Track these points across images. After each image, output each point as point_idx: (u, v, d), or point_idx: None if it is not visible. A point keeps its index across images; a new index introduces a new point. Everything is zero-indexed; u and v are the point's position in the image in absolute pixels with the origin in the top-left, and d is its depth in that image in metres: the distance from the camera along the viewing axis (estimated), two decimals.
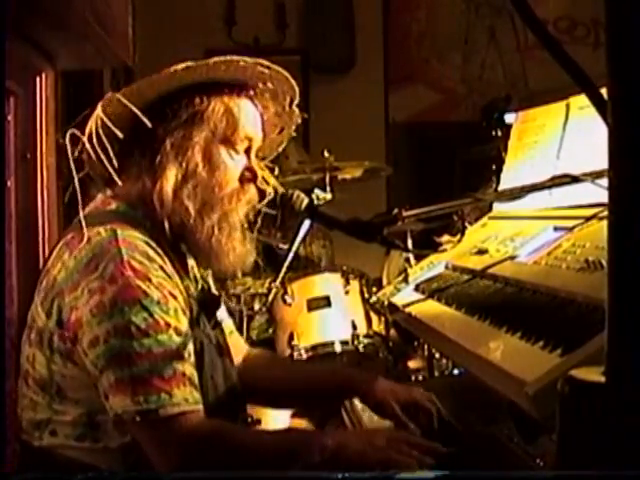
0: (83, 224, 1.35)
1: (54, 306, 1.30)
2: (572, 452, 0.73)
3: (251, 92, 1.47)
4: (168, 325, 1.27)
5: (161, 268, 1.32)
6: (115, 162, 1.37)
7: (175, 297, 1.32)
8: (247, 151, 1.46)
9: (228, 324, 1.66)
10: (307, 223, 2.57)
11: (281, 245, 2.98)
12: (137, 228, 1.35)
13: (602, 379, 0.70)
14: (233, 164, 1.43)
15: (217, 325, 1.50)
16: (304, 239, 3.48)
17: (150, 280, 1.28)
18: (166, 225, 1.39)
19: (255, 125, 1.47)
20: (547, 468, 1.21)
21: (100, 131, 1.34)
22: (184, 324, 1.31)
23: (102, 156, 1.35)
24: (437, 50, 4.88)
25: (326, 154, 3.09)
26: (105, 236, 1.30)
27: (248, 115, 1.45)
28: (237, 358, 1.62)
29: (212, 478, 1.27)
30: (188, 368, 1.28)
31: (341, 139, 3.82)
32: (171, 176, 1.37)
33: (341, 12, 4.76)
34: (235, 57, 1.47)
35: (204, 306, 1.44)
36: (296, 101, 1.53)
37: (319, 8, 4.76)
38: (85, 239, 1.31)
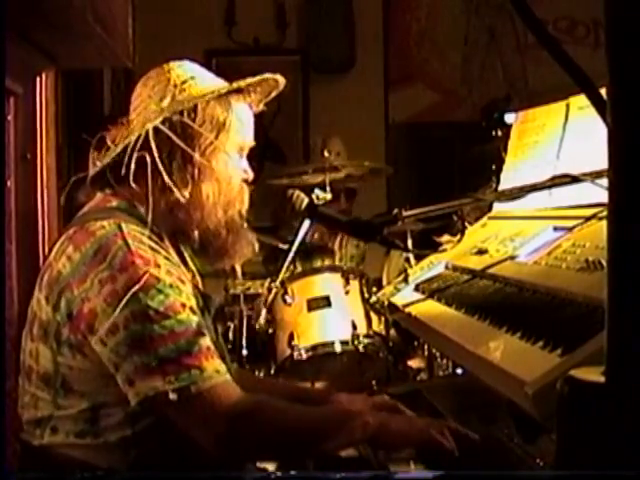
0: (84, 218, 1.37)
1: (62, 300, 1.31)
2: (572, 452, 0.73)
3: (248, 95, 1.53)
4: (184, 305, 1.30)
5: (166, 259, 1.36)
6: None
7: (184, 282, 1.35)
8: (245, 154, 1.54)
9: None
10: (307, 223, 2.57)
11: (281, 245, 2.98)
12: (139, 224, 1.38)
13: (602, 379, 0.70)
14: (240, 167, 1.51)
15: (213, 323, 1.52)
16: (339, 239, 3.49)
17: (159, 266, 1.31)
18: (196, 233, 1.46)
19: (252, 128, 1.54)
20: (547, 468, 1.21)
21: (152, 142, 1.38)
22: (195, 305, 1.35)
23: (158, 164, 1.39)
24: (437, 50, 4.88)
25: (326, 154, 3.09)
26: (110, 229, 1.33)
27: (250, 119, 1.52)
28: None
29: (213, 477, 1.28)
30: (210, 342, 1.32)
31: (341, 139, 3.82)
32: (206, 185, 1.43)
33: (341, 12, 4.76)
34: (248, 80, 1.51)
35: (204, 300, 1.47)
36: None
37: (319, 8, 4.76)
38: (89, 233, 1.33)
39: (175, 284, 1.31)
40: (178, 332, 1.27)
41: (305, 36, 4.82)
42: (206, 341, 1.30)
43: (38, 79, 2.21)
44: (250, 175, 1.53)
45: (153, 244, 1.35)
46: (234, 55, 4.60)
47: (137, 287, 1.27)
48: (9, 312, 1.89)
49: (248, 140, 1.52)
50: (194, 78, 1.47)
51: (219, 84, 1.49)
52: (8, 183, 1.98)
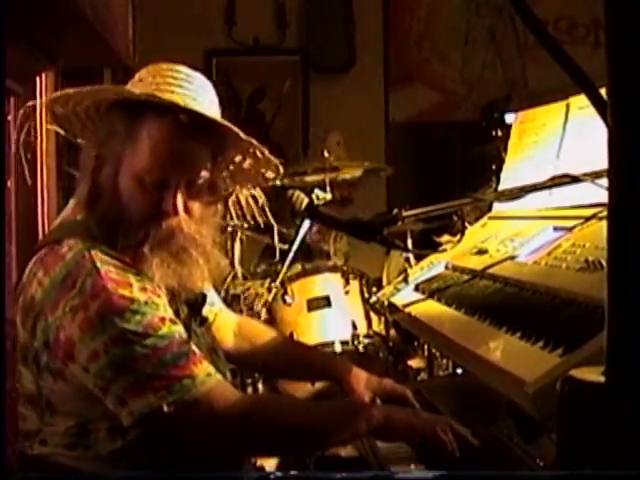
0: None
1: (38, 327, 1.28)
2: (572, 452, 0.73)
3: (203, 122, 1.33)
4: (163, 319, 1.27)
5: (137, 275, 1.30)
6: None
7: (159, 296, 1.31)
8: (173, 185, 1.32)
9: (218, 304, 1.71)
10: (307, 223, 2.57)
11: (281, 245, 2.98)
12: (105, 242, 1.32)
13: (602, 379, 0.70)
14: (143, 196, 1.32)
15: (204, 323, 1.51)
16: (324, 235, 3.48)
17: (132, 285, 1.27)
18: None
19: (184, 159, 1.33)
20: (547, 468, 1.21)
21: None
22: (174, 315, 1.32)
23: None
24: (437, 50, 4.88)
25: (326, 154, 3.09)
26: (77, 251, 1.29)
27: (175, 147, 1.32)
28: (228, 333, 1.71)
29: (212, 478, 1.28)
30: (194, 347, 1.30)
31: (340, 131, 3.82)
32: (83, 190, 1.36)
33: (341, 12, 4.76)
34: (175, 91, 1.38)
35: (190, 305, 1.44)
36: (265, 151, 1.50)
37: (319, 8, 4.76)
38: (58, 256, 1.30)
39: (150, 300, 1.27)
40: (162, 347, 1.24)
41: (305, 36, 4.81)
42: (192, 347, 1.28)
43: (38, 79, 2.20)
44: (172, 210, 1.32)
45: (121, 263, 1.29)
46: (234, 55, 4.60)
47: (110, 312, 1.23)
48: (9, 312, 1.89)
49: (172, 168, 1.32)
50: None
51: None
52: (8, 183, 1.98)
